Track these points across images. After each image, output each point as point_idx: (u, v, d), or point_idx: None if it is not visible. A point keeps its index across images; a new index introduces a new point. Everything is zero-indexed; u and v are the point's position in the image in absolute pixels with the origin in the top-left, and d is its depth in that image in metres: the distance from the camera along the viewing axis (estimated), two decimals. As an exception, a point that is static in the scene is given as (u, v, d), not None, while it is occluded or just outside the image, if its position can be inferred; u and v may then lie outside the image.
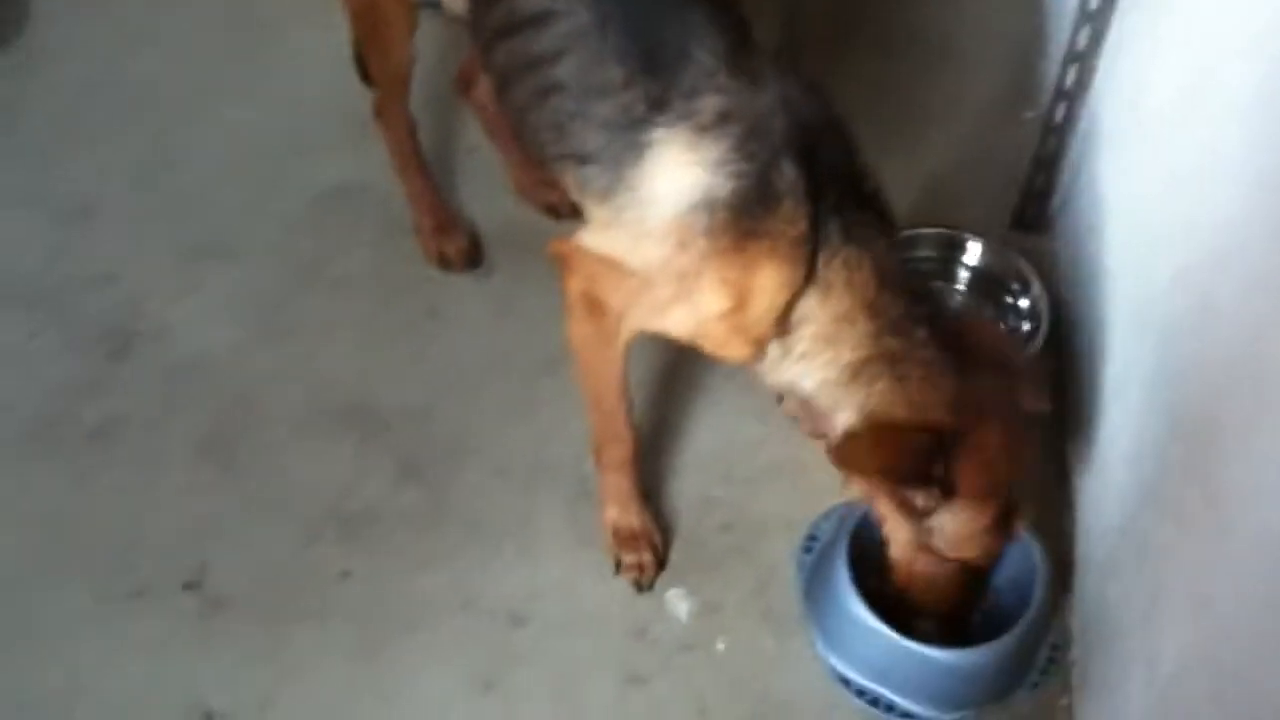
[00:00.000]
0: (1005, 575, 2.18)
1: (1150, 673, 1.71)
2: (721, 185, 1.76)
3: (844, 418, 1.85)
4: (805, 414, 2.40)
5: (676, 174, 1.79)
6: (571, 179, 1.96)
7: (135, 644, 2.22)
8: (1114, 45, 2.38)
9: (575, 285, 2.00)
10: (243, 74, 3.20)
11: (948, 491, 1.79)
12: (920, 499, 1.81)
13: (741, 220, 1.76)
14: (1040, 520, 2.22)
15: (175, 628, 2.24)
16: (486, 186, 2.91)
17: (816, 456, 2.39)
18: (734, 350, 1.90)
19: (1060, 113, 2.57)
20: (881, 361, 1.80)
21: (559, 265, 2.02)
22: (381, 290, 2.73)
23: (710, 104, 1.78)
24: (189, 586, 2.28)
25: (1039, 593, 2.07)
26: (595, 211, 1.93)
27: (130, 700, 2.15)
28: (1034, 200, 2.72)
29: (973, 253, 2.62)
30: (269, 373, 2.60)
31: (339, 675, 2.19)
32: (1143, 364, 1.93)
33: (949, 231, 2.60)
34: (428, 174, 2.73)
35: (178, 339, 2.66)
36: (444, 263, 2.73)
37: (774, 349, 1.88)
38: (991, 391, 1.80)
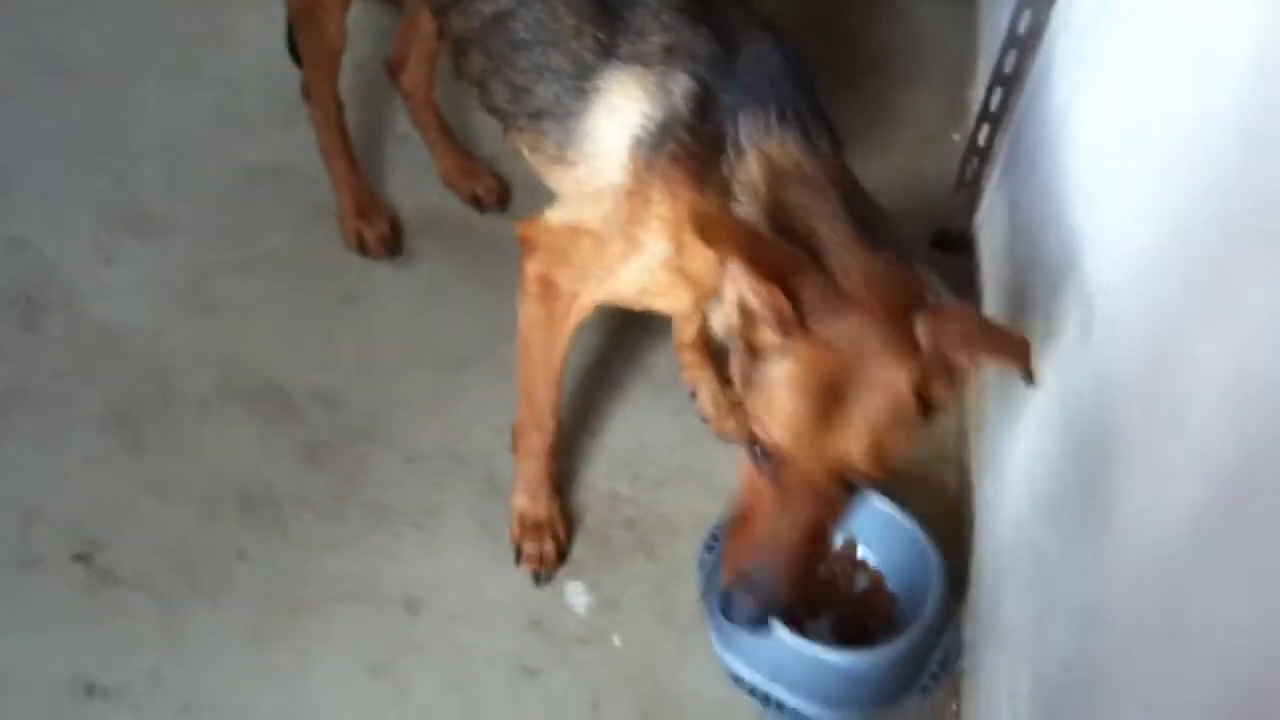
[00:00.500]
0: (904, 582, 2.21)
1: (1037, 682, 1.72)
2: (658, 118, 1.76)
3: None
4: (719, 407, 2.42)
5: (621, 114, 1.80)
6: (528, 140, 1.96)
7: (21, 615, 2.17)
8: (1042, 69, 2.41)
9: (534, 266, 2.00)
10: (177, 50, 3.16)
11: (793, 321, 1.54)
12: (770, 317, 1.54)
13: (674, 148, 1.75)
14: (941, 530, 2.24)
15: (64, 600, 2.19)
16: (414, 175, 2.90)
17: (725, 460, 2.43)
18: (681, 300, 1.90)
19: (984, 135, 2.60)
20: (790, 201, 1.67)
21: (523, 248, 2.01)
22: (300, 273, 2.70)
23: (656, 42, 1.80)
24: (79, 558, 2.24)
25: (932, 599, 2.09)
26: (551, 173, 1.94)
27: (12, 670, 2.11)
28: (955, 220, 2.75)
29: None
30: (181, 350, 2.56)
31: (230, 656, 2.16)
32: (1044, 379, 1.95)
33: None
34: (352, 157, 2.71)
35: (90, 311, 2.62)
36: (363, 247, 2.71)
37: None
38: (890, 274, 1.62)
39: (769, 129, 1.72)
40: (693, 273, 1.82)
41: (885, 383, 1.54)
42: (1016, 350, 1.58)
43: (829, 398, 1.55)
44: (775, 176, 1.70)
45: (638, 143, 1.78)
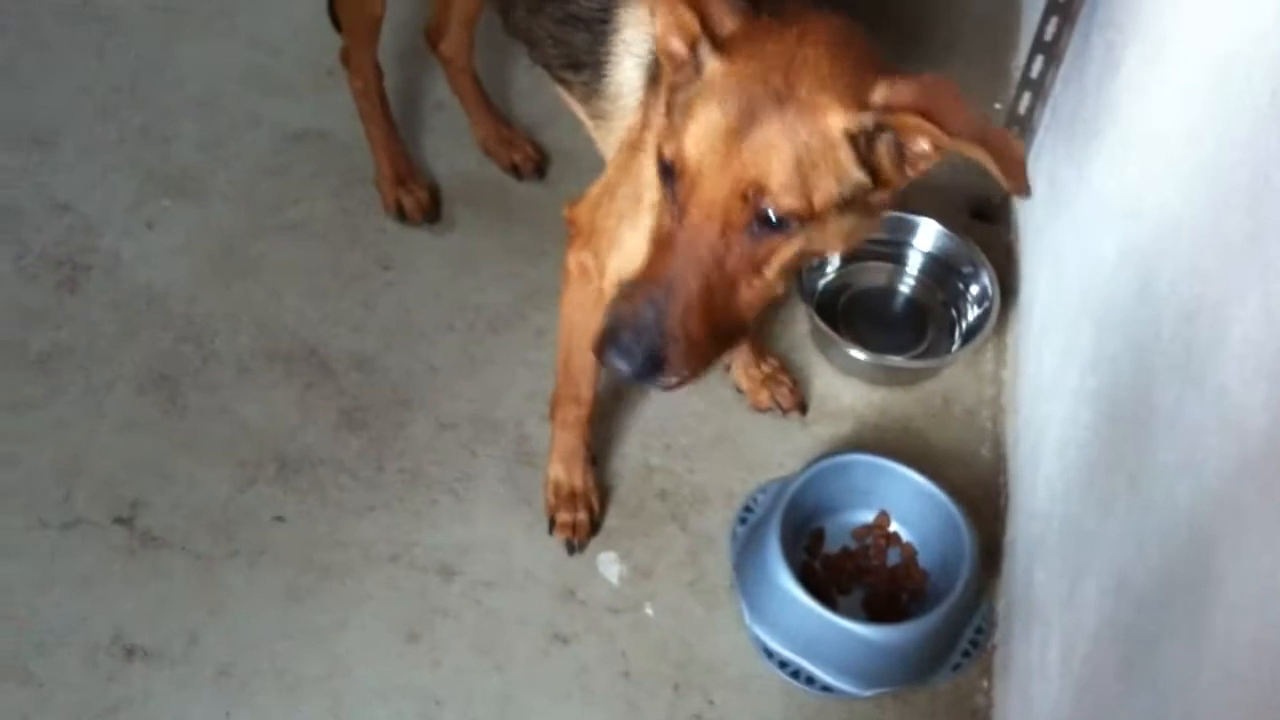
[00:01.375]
0: (935, 557, 2.20)
1: (1067, 654, 1.73)
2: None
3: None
4: (753, 380, 2.41)
5: (633, 51, 1.77)
6: (579, 97, 1.95)
7: (62, 575, 2.20)
8: (1082, 35, 2.38)
9: (574, 255, 1.98)
10: (217, 11, 3.18)
11: (715, 39, 1.46)
12: (678, 34, 1.48)
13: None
14: (975, 503, 2.24)
15: (104, 561, 2.23)
16: (452, 143, 2.90)
17: (759, 432, 2.44)
18: None
19: (1025, 104, 2.57)
20: None
21: (569, 231, 1.99)
22: (338, 238, 2.71)
23: None
24: (120, 521, 2.27)
25: (965, 574, 2.08)
26: (598, 134, 1.93)
27: (52, 629, 2.14)
28: (995, 190, 2.73)
29: (925, 237, 2.62)
30: (219, 313, 2.58)
31: (265, 618, 2.18)
32: (1080, 350, 1.94)
33: (902, 215, 2.60)
34: (391, 124, 2.71)
35: (130, 273, 2.64)
36: (401, 214, 2.71)
37: None
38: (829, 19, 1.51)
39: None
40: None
41: (811, 111, 1.41)
42: (994, 144, 1.39)
43: (743, 114, 1.41)
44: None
45: (651, 76, 1.74)
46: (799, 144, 1.40)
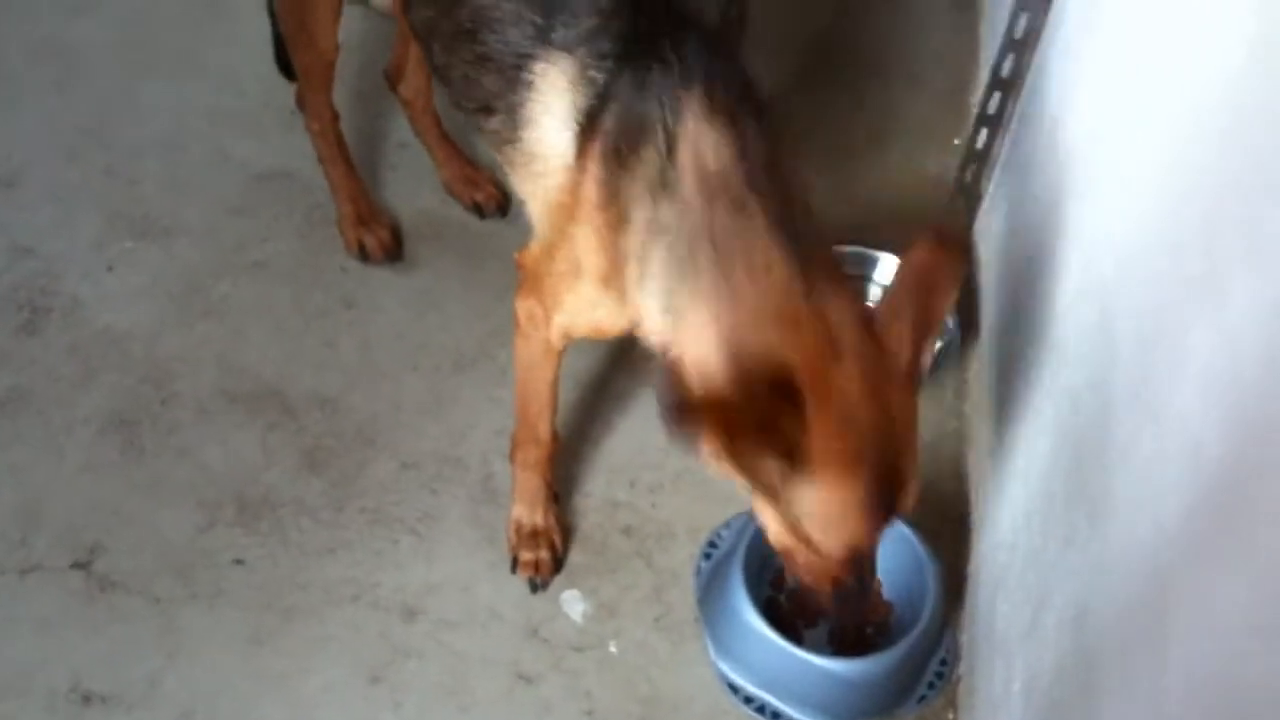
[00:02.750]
0: (900, 589, 2.20)
1: (1029, 686, 1.72)
2: (586, 109, 1.68)
3: (680, 332, 1.57)
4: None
5: (553, 112, 1.73)
6: (489, 139, 1.92)
7: (20, 620, 2.18)
8: (1038, 71, 2.41)
9: (524, 304, 1.97)
10: (182, 50, 3.18)
11: (797, 459, 1.43)
12: (769, 473, 1.46)
13: (603, 144, 1.65)
14: (939, 536, 2.24)
15: (63, 606, 2.20)
16: (414, 182, 2.90)
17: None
18: (615, 312, 1.74)
19: (982, 139, 2.60)
20: (709, 246, 1.50)
21: (520, 277, 1.98)
22: (300, 278, 2.70)
23: (585, 25, 1.71)
24: (79, 565, 2.24)
25: (930, 607, 2.08)
26: (516, 178, 1.90)
27: (9, 676, 2.11)
28: (955, 225, 2.75)
29: (884, 270, 2.63)
30: (181, 354, 2.56)
31: (227, 661, 2.16)
32: (1041, 382, 1.95)
33: (863, 250, 2.62)
34: (350, 165, 2.71)
35: (91, 315, 2.62)
36: (363, 253, 2.71)
37: (634, 294, 1.66)
38: (847, 319, 1.48)
39: (699, 118, 1.57)
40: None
41: (906, 430, 1.50)
42: (948, 270, 1.55)
43: (872, 479, 1.48)
44: (707, 182, 1.54)
45: (576, 139, 1.70)
46: (913, 466, 1.52)
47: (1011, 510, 2.01)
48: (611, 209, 1.65)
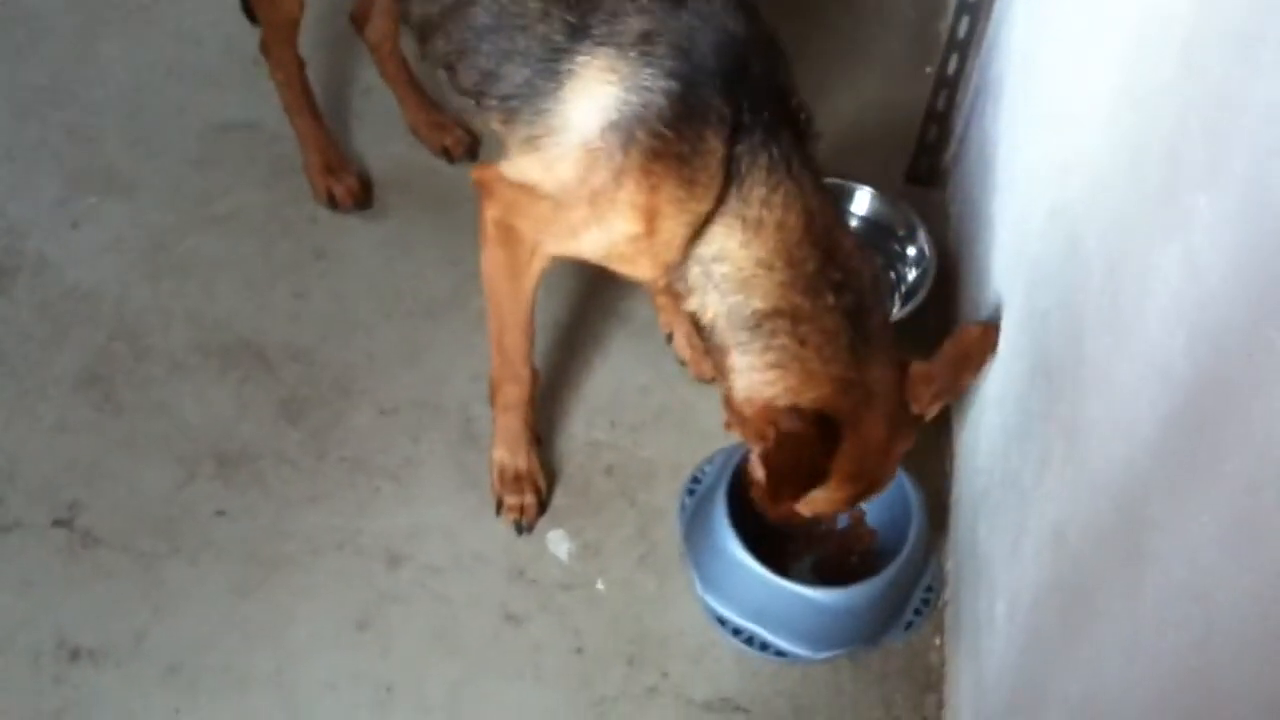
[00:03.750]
0: (883, 517, 2.21)
1: (1012, 609, 1.74)
2: (637, 103, 1.73)
3: (741, 361, 1.82)
4: (696, 350, 2.41)
5: (594, 95, 1.76)
6: (494, 112, 1.92)
7: (2, 579, 2.18)
8: (1006, -5, 2.39)
9: (492, 213, 1.97)
10: (136, 5, 3.12)
11: (825, 480, 1.81)
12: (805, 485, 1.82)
13: (653, 140, 1.73)
14: (920, 463, 2.25)
15: (44, 564, 2.20)
16: (382, 128, 2.87)
17: (703, 402, 2.43)
18: (643, 270, 1.90)
19: (953, 65, 2.58)
20: (786, 318, 1.77)
21: (479, 192, 1.99)
22: (269, 229, 2.68)
23: (633, 25, 1.75)
24: (60, 523, 2.24)
25: (913, 535, 2.10)
26: (513, 140, 1.90)
27: (-6, 636, 2.12)
28: (927, 154, 2.74)
29: (861, 202, 2.63)
30: (152, 309, 2.55)
31: (212, 613, 2.16)
32: (1014, 306, 1.95)
33: (839, 182, 2.61)
34: (316, 113, 2.68)
35: (60, 273, 2.60)
36: (332, 202, 2.68)
37: (694, 271, 1.84)
38: (884, 377, 1.81)
39: (769, 166, 1.77)
40: (659, 247, 1.81)
41: (901, 455, 1.89)
42: (981, 356, 1.97)
43: (865, 488, 1.88)
44: (787, 253, 1.78)
45: (612, 125, 1.74)
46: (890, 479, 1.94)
47: (990, 436, 2.02)
48: (653, 200, 1.77)
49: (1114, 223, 1.51)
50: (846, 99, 2.99)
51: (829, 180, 2.57)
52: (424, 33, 2.03)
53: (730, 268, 1.80)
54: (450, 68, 2.00)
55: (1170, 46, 1.35)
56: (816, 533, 2.23)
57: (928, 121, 2.69)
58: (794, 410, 1.76)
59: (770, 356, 1.79)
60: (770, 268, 1.78)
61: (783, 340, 1.78)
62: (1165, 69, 1.37)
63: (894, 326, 1.90)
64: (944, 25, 2.91)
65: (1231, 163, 1.11)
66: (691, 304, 1.88)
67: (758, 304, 1.79)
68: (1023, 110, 2.17)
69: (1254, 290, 1.03)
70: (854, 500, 1.91)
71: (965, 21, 2.49)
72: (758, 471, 1.91)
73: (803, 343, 1.77)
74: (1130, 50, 1.54)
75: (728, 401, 1.87)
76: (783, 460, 1.78)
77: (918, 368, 1.85)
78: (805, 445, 1.76)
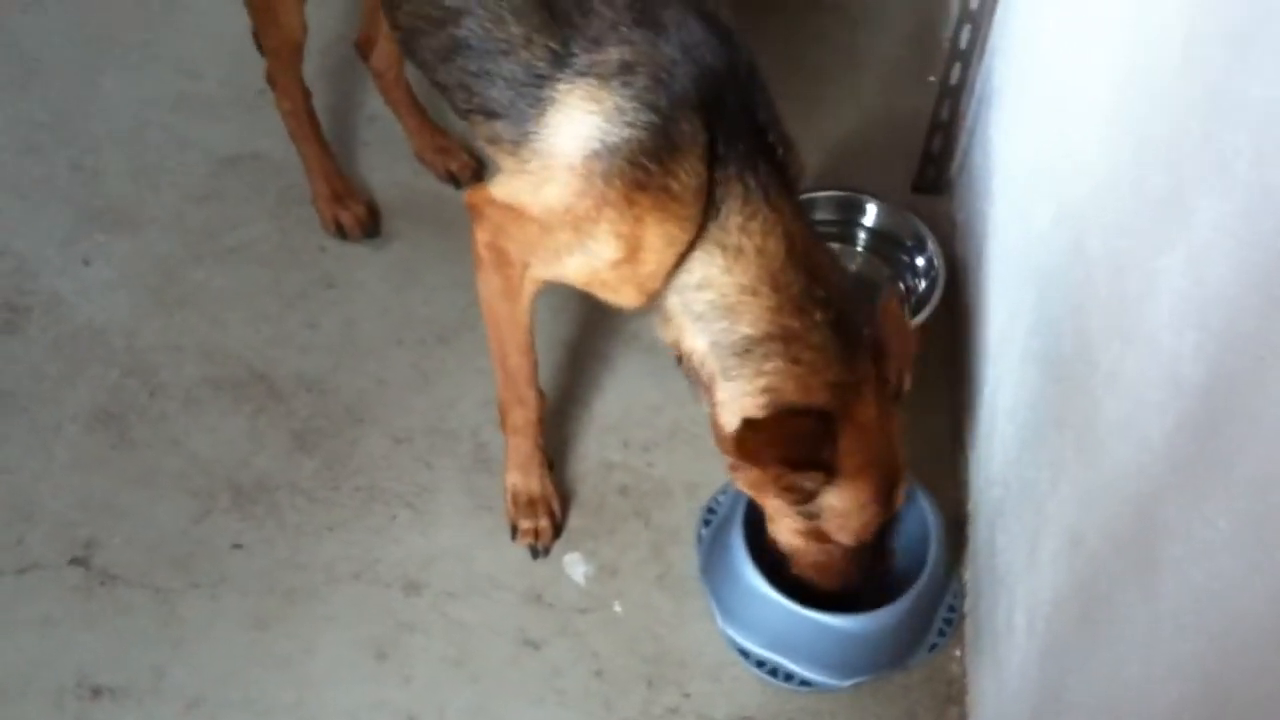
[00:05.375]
0: (902, 537, 2.19)
1: (1031, 617, 1.73)
2: (618, 134, 1.74)
3: (730, 389, 1.84)
4: (689, 374, 2.41)
5: (576, 123, 1.77)
6: (482, 132, 1.94)
7: (21, 621, 2.18)
8: (1005, 3, 2.39)
9: (483, 235, 1.99)
10: (136, 40, 3.13)
11: (831, 472, 1.80)
12: (808, 482, 1.81)
13: (635, 171, 1.74)
14: (935, 476, 2.25)
15: (63, 604, 2.20)
16: (386, 155, 2.87)
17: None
18: (626, 298, 1.90)
19: (955, 74, 2.57)
20: (777, 341, 1.79)
21: (470, 214, 2.00)
22: (278, 259, 2.69)
23: (614, 55, 1.76)
24: (76, 561, 2.24)
25: (933, 556, 2.08)
26: (504, 162, 1.92)
27: (15, 675, 2.11)
28: (933, 163, 2.73)
29: (870, 214, 2.63)
30: (163, 344, 2.55)
31: (232, 646, 2.16)
32: (1023, 314, 1.95)
33: (847, 194, 2.61)
34: (323, 142, 2.69)
35: (70, 311, 2.60)
36: (340, 231, 2.69)
37: (673, 301, 1.87)
38: (868, 372, 1.82)
39: (745, 195, 1.79)
40: (643, 276, 1.83)
41: (899, 437, 1.86)
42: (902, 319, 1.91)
43: (884, 483, 1.85)
44: (771, 278, 1.80)
45: (594, 155, 1.76)
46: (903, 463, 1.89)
47: (1004, 446, 2.01)
48: (636, 230, 1.79)
49: (1118, 227, 1.51)
50: (850, 109, 2.99)
51: (837, 192, 2.62)
52: (409, 43, 2.05)
53: (714, 294, 1.82)
54: (430, 75, 2.02)
55: (1169, 49, 1.35)
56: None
57: (932, 131, 2.69)
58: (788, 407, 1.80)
59: (763, 381, 1.81)
60: (755, 293, 1.80)
61: (776, 363, 1.79)
62: (1164, 72, 1.37)
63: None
64: (946, 34, 2.92)
65: (1233, 164, 1.10)
66: (669, 334, 1.92)
67: (746, 329, 1.81)
68: (1025, 117, 2.17)
69: (1260, 291, 1.03)
70: (882, 499, 1.86)
71: (967, 30, 2.48)
72: (772, 519, 1.97)
73: (796, 361, 1.79)
74: (1129, 54, 1.54)
75: (715, 430, 1.89)
76: (775, 429, 1.78)
77: (876, 345, 1.86)
78: (800, 424, 1.77)
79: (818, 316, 1.79)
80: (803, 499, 1.84)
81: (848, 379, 1.79)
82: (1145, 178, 1.39)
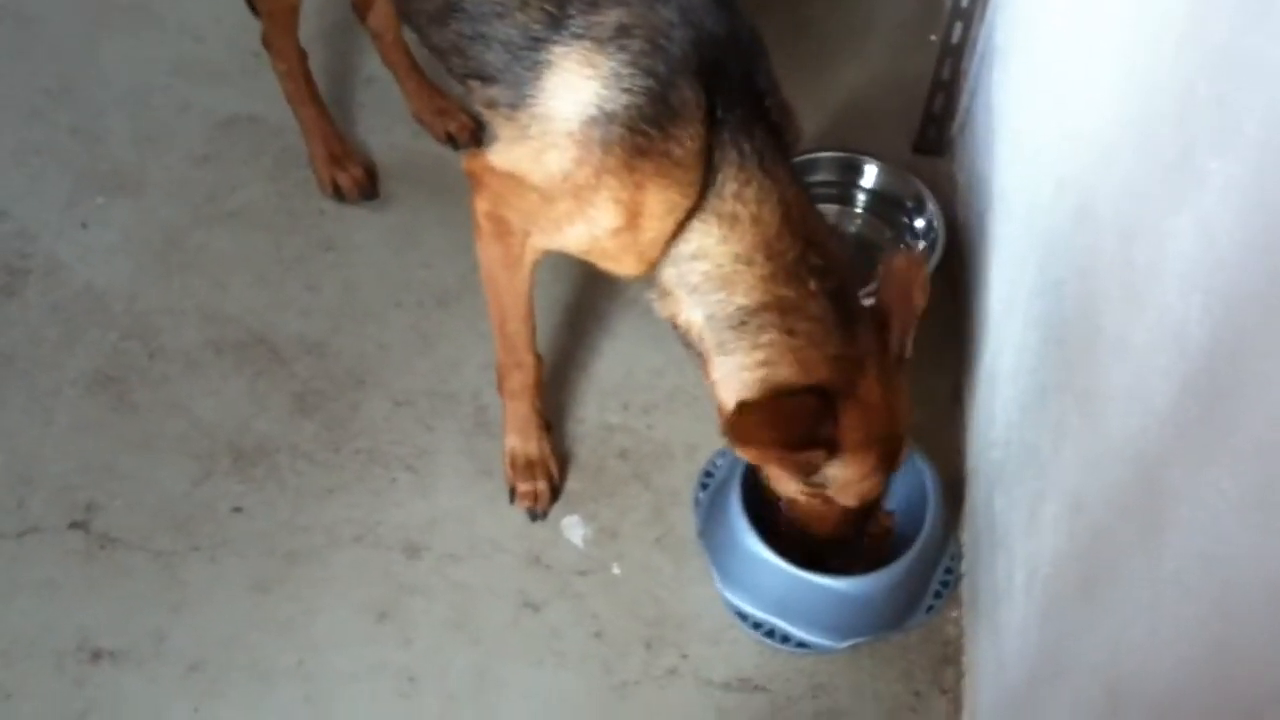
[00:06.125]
0: (900, 501, 2.20)
1: (1030, 579, 1.73)
2: (616, 100, 1.72)
3: (726, 365, 1.82)
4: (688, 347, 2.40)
5: (574, 88, 1.75)
6: (479, 97, 1.92)
7: (22, 584, 2.19)
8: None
9: (482, 204, 1.97)
10: (137, 3, 3.11)
11: (833, 449, 1.77)
12: (810, 459, 1.78)
13: (634, 137, 1.72)
14: (934, 438, 2.25)
15: (64, 566, 2.21)
16: (385, 117, 2.86)
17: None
18: (627, 267, 1.89)
19: (957, 34, 2.55)
20: (773, 311, 1.77)
21: (469, 182, 1.98)
22: (277, 222, 2.68)
23: (610, 18, 1.74)
24: (77, 525, 2.25)
25: (930, 518, 2.08)
26: (502, 128, 1.90)
27: (16, 639, 2.13)
28: (934, 123, 2.72)
29: (870, 175, 2.62)
30: (163, 307, 2.55)
31: (232, 609, 2.17)
32: (1027, 277, 1.94)
33: (846, 155, 2.60)
34: (320, 104, 2.67)
35: (70, 274, 2.60)
36: (338, 194, 2.68)
37: (669, 273, 1.86)
38: (870, 344, 1.80)
39: (740, 161, 1.77)
40: (643, 243, 1.81)
41: (905, 406, 1.84)
42: (919, 277, 1.85)
43: (885, 453, 1.83)
44: (766, 246, 1.77)
45: (592, 121, 1.74)
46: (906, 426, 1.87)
47: (1005, 408, 2.00)
48: (636, 197, 1.77)
49: (1125, 190, 1.50)
50: (851, 70, 2.97)
51: (837, 153, 2.60)
52: (404, 8, 2.03)
53: (710, 265, 1.80)
54: (425, 39, 2.00)
55: (1176, 8, 1.34)
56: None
57: (934, 91, 2.67)
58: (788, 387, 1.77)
59: (760, 355, 1.78)
60: (750, 262, 1.77)
61: (771, 335, 1.77)
62: (1172, 32, 1.35)
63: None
64: (948, -6, 2.89)
65: (1242, 125, 1.09)
66: (666, 308, 1.90)
67: (741, 300, 1.79)
68: (1028, 78, 2.15)
69: (1269, 254, 1.02)
70: (885, 467, 1.86)
71: (969, -10, 2.46)
72: (774, 481, 1.95)
73: (792, 333, 1.76)
74: (1135, 14, 1.52)
75: (725, 428, 1.84)
76: (770, 411, 1.75)
77: (874, 306, 1.84)
78: (796, 404, 1.75)
79: (813, 285, 1.77)
80: (806, 474, 1.83)
81: (848, 352, 1.77)
82: (1153, 140, 1.38)
